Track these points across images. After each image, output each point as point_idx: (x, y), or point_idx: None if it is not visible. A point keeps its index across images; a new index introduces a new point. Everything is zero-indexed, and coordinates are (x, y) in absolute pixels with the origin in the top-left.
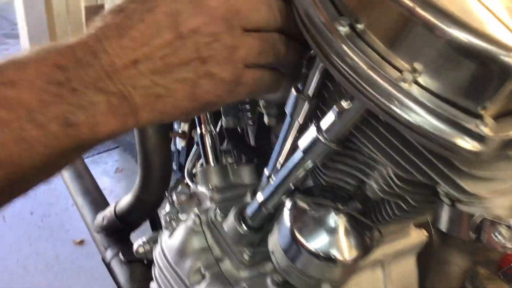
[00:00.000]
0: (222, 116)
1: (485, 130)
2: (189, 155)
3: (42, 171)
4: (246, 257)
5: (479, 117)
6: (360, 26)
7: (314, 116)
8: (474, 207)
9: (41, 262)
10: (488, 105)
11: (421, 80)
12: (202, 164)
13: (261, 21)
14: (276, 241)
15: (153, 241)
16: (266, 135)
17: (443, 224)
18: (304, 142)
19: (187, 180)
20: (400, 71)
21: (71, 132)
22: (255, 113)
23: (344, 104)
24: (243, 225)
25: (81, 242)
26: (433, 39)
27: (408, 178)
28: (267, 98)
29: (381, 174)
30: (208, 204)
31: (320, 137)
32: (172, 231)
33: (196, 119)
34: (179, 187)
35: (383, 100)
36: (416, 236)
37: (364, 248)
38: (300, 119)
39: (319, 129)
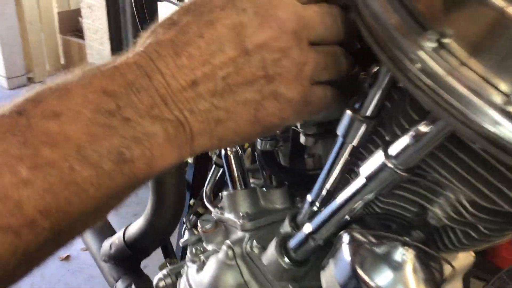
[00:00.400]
0: (258, 138)
1: None
2: (197, 173)
3: (91, 216)
4: None
5: None
6: (447, 40)
7: (370, 139)
8: None
9: (26, 282)
10: None
11: None
12: (215, 186)
13: (326, 33)
14: (332, 278)
15: (175, 274)
16: (299, 155)
17: None
18: (368, 168)
19: (208, 205)
20: (501, 91)
21: (126, 169)
22: (286, 132)
23: (423, 127)
24: (286, 258)
25: (67, 258)
26: None
27: (487, 206)
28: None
29: (449, 201)
30: (239, 233)
31: (389, 164)
32: (200, 264)
33: None
34: (204, 215)
35: (487, 126)
36: (464, 257)
37: (434, 285)
38: (355, 142)
39: (387, 154)
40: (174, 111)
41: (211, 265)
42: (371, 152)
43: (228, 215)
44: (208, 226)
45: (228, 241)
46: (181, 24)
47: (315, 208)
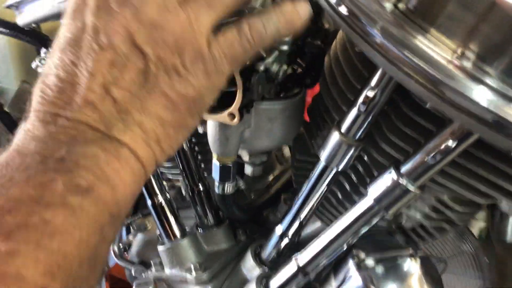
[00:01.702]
0: (217, 182)
1: None
2: None
3: (88, 270)
4: None
5: None
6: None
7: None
8: None
9: None
10: None
11: None
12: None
13: None
14: None
15: None
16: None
17: None
18: (377, 189)
19: (121, 263)
20: None
21: (94, 197)
22: None
23: (450, 143)
24: None
25: None
26: None
27: (474, 200)
28: (256, 148)
29: (428, 203)
30: None
31: (403, 182)
32: None
33: (144, 189)
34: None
35: None
36: None
37: (434, 285)
38: (341, 166)
39: (399, 173)
40: (96, 132)
41: None
42: (348, 177)
43: (171, 271)
44: None
45: None
46: (53, 65)
47: (286, 240)
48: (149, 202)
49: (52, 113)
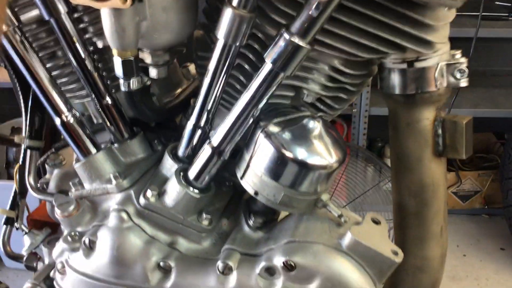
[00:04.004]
0: (122, 79)
1: None
2: None
3: None
4: (206, 222)
5: None
6: None
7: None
8: (430, 60)
9: None
10: None
11: None
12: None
13: None
14: (262, 179)
15: (43, 279)
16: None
17: (409, 88)
18: (273, 53)
19: (40, 196)
20: None
21: None
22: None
23: None
24: (193, 188)
25: None
26: None
27: (359, 60)
28: (156, 42)
29: (323, 73)
30: (118, 196)
31: (295, 40)
32: (86, 248)
33: (50, 108)
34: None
35: None
36: None
37: (338, 143)
38: (239, 41)
39: (290, 33)
40: None
41: (105, 238)
42: (247, 58)
43: (92, 186)
44: (71, 208)
45: (115, 205)
46: None
47: (199, 132)
48: (57, 121)
49: None
